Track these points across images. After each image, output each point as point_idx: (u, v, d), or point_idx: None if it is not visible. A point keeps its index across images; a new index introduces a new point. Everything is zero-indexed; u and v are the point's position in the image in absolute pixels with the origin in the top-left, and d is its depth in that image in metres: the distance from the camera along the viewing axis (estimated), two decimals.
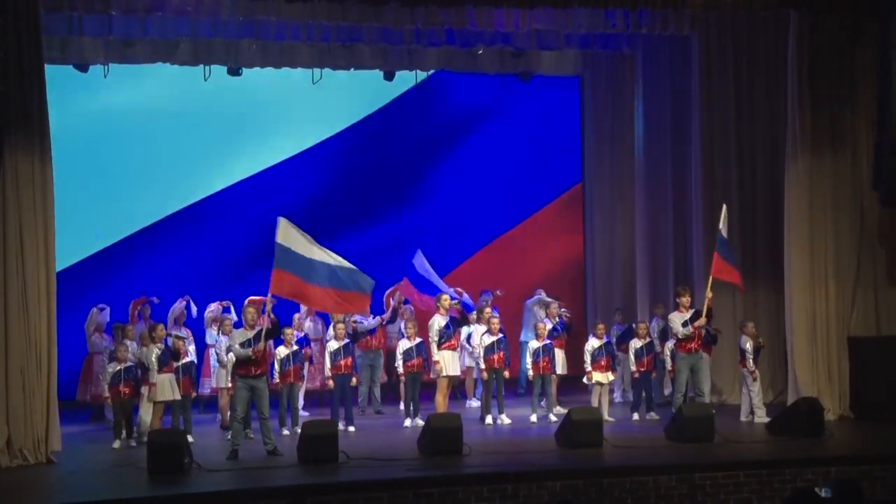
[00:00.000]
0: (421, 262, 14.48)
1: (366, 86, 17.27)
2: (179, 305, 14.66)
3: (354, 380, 13.86)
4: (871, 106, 13.71)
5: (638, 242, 16.79)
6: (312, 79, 16.57)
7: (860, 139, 13.90)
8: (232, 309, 14.50)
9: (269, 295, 11.82)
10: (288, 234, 11.79)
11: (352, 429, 13.40)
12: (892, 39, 12.98)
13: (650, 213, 16.58)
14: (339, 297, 12.01)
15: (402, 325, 14.36)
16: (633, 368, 14.09)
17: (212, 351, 14.36)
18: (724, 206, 13.52)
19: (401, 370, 13.85)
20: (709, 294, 13.21)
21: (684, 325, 13.26)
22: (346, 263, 12.00)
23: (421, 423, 13.08)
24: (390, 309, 14.94)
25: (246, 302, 13.19)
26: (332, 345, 13.55)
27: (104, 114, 16.46)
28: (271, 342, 12.74)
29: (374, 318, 14.64)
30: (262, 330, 11.74)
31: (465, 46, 15.77)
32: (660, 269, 16.44)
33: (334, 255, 12.00)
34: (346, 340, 13.63)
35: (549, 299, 15.58)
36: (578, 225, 18.28)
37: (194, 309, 14.79)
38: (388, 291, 15.17)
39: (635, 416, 14.00)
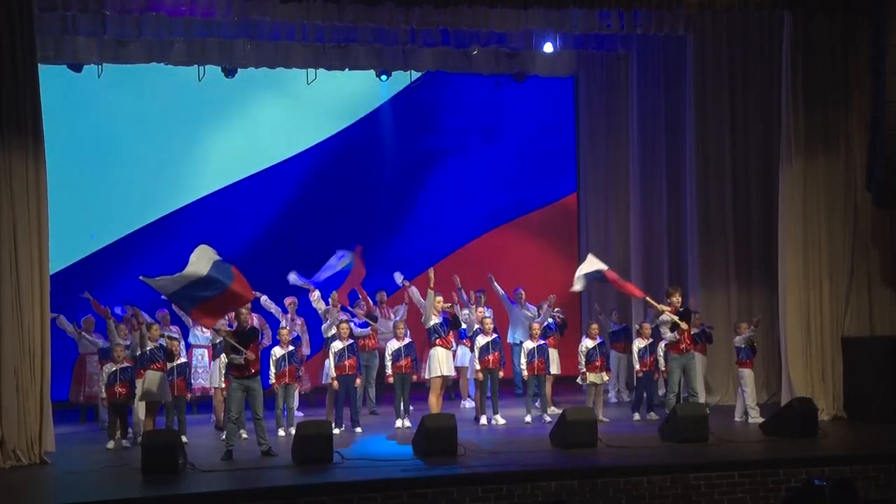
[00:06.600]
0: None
1: (360, 86, 17.29)
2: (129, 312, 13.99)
3: (358, 381, 13.76)
4: (864, 106, 13.70)
5: (633, 242, 16.80)
6: (307, 79, 16.58)
7: (854, 139, 13.90)
8: None
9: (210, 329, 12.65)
10: (167, 287, 11.38)
11: (359, 430, 13.34)
12: (885, 40, 12.97)
13: (645, 213, 16.60)
14: (225, 301, 11.60)
15: (392, 326, 14.30)
16: (637, 367, 14.07)
17: (195, 351, 14.31)
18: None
19: (389, 370, 13.81)
20: (661, 306, 13.37)
21: (672, 328, 13.24)
22: (201, 271, 11.35)
23: (409, 424, 13.17)
24: (367, 316, 14.62)
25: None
26: (337, 345, 13.43)
27: (98, 114, 16.45)
28: (266, 342, 12.81)
29: (366, 320, 14.61)
30: (245, 335, 11.77)
31: (460, 47, 15.78)
32: (654, 269, 16.45)
33: (193, 269, 11.41)
34: (351, 341, 13.51)
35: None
36: (573, 225, 18.29)
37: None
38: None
39: (636, 416, 13.99)
